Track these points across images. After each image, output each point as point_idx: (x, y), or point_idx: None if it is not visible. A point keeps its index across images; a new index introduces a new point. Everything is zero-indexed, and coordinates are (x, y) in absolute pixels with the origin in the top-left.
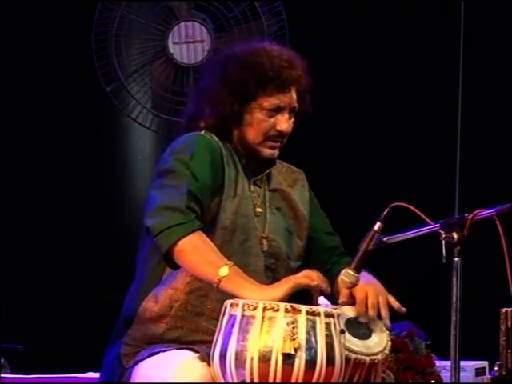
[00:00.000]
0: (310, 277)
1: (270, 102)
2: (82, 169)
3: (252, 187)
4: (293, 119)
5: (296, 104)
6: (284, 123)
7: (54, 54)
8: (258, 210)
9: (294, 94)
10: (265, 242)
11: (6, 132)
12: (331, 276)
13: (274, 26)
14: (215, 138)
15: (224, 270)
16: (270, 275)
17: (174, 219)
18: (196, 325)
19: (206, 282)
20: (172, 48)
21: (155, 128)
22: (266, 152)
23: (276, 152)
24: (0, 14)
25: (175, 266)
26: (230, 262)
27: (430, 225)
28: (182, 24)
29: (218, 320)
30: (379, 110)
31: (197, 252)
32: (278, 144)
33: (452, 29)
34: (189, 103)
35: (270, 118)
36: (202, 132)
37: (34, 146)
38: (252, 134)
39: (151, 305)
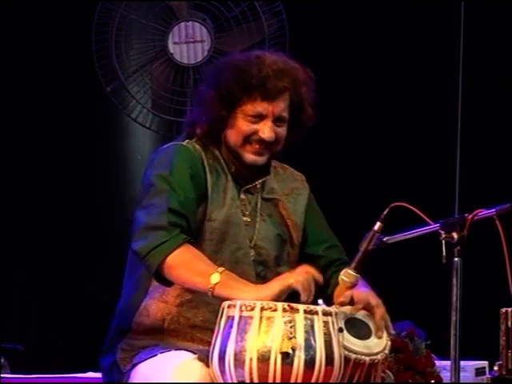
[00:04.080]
0: (302, 281)
1: (252, 109)
2: (82, 169)
3: (242, 195)
4: (283, 128)
5: (284, 114)
6: (266, 131)
7: (54, 54)
8: (246, 219)
9: (281, 104)
10: (252, 252)
11: (6, 132)
12: (330, 285)
13: (274, 25)
14: (198, 146)
15: (215, 278)
16: (261, 282)
17: (158, 238)
18: (191, 336)
19: (196, 293)
20: (172, 48)
21: (155, 128)
22: (248, 157)
23: (260, 159)
24: (0, 13)
25: (169, 284)
26: (220, 268)
27: (430, 225)
28: (182, 24)
29: (212, 330)
30: (379, 110)
31: (185, 265)
32: (263, 151)
33: (452, 29)
34: (191, 110)
35: (253, 125)
36: (185, 142)
37: (33, 146)
38: (233, 137)
39: (143, 319)
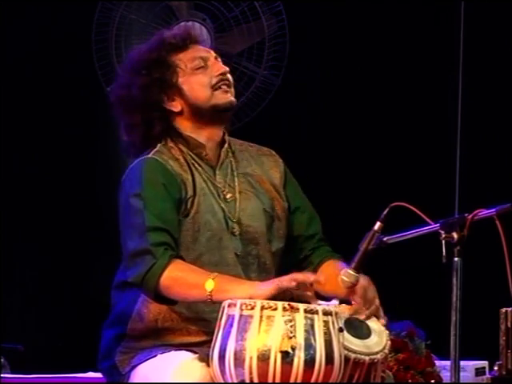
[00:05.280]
0: (295, 280)
1: (193, 56)
2: (81, 169)
3: (219, 177)
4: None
5: (212, 53)
6: (217, 66)
7: (55, 54)
8: (229, 195)
9: (200, 47)
10: (236, 227)
11: (6, 132)
12: (310, 264)
13: (273, 25)
14: (164, 156)
15: (209, 285)
16: (254, 261)
17: (146, 264)
18: (186, 330)
19: None
20: None
21: None
22: (222, 99)
23: (232, 97)
24: (0, 14)
25: (173, 302)
26: (211, 274)
27: (430, 225)
28: (182, 24)
29: (206, 320)
30: (379, 109)
31: (179, 282)
32: (229, 89)
33: (452, 29)
34: (122, 130)
35: (205, 72)
36: (150, 154)
37: (33, 146)
38: (201, 94)
39: (137, 324)
